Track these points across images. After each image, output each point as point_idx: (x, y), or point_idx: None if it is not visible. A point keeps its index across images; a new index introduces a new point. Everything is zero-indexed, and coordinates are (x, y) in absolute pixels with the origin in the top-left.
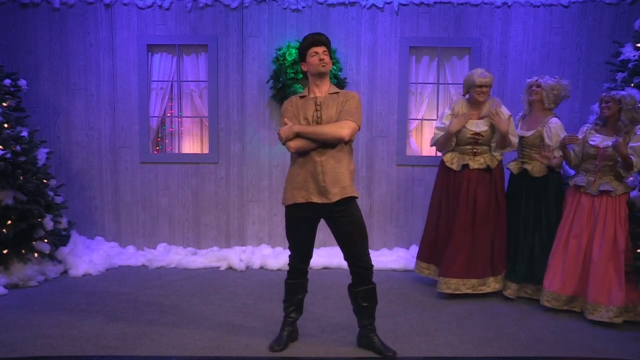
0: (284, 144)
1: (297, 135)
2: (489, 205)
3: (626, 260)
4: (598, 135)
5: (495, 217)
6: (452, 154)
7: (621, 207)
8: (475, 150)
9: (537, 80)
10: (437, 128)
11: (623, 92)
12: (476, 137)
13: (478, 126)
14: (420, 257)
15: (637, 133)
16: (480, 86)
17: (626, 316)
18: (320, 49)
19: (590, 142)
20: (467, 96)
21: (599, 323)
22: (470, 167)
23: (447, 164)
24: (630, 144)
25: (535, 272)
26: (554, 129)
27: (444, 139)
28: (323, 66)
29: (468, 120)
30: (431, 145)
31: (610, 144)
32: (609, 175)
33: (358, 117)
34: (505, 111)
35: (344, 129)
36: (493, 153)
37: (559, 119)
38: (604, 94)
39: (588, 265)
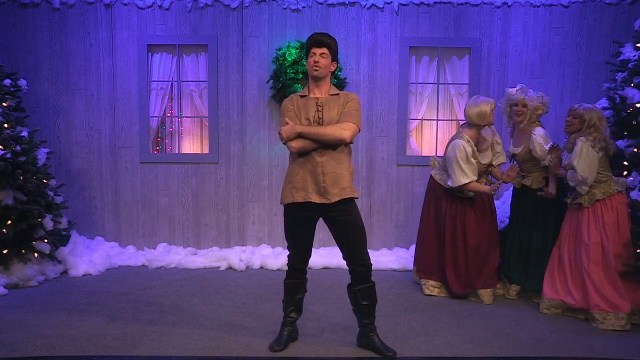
0: (285, 143)
1: (299, 136)
2: (493, 219)
3: (627, 261)
4: (566, 153)
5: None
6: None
7: (606, 213)
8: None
9: (523, 99)
10: (468, 169)
11: (589, 107)
12: (488, 167)
13: (487, 157)
14: (429, 276)
15: (576, 145)
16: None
17: (633, 319)
18: (319, 50)
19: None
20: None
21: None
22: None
23: (457, 193)
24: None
25: (528, 275)
26: (536, 141)
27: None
28: (315, 70)
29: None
30: (454, 187)
31: (567, 161)
32: None
33: (358, 119)
34: (497, 136)
35: (345, 131)
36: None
37: (543, 127)
38: (576, 105)
39: (584, 275)
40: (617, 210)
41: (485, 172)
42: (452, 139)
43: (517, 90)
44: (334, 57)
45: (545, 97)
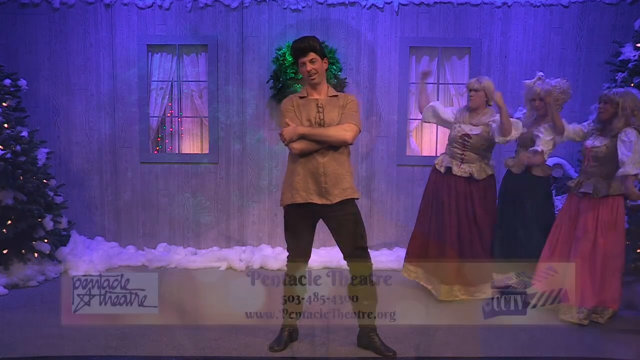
0: (287, 144)
1: (301, 137)
2: (474, 214)
3: (615, 265)
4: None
5: (477, 225)
6: (443, 155)
7: (603, 210)
8: (463, 155)
9: (539, 93)
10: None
11: (622, 91)
12: (465, 138)
13: (472, 130)
14: (408, 259)
15: (626, 135)
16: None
17: (592, 317)
18: (307, 58)
19: (586, 143)
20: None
21: (600, 323)
22: (453, 172)
23: (436, 165)
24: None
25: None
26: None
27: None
28: (313, 79)
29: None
30: (422, 112)
31: (599, 144)
32: (597, 176)
33: (358, 120)
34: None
35: (347, 132)
36: (485, 162)
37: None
38: (605, 91)
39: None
40: (617, 211)
41: (462, 141)
42: None
43: (534, 83)
44: (323, 54)
45: (565, 82)
